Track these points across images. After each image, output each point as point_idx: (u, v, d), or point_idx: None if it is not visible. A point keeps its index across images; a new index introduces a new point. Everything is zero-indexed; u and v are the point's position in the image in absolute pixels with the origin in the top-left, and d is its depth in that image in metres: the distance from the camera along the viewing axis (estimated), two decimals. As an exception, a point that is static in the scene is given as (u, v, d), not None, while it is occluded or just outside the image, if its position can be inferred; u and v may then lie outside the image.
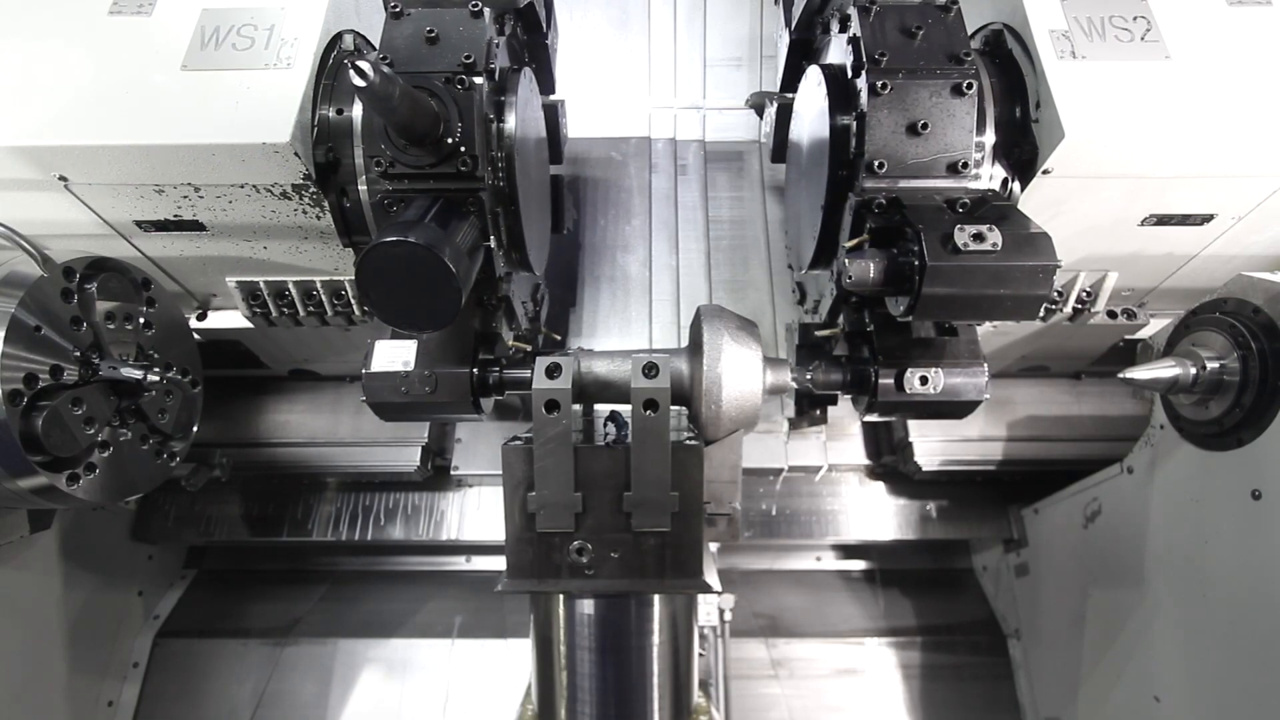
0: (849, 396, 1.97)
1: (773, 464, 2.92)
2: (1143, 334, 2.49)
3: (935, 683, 2.91)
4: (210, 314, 2.41)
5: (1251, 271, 1.73)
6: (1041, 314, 2.31)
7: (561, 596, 1.57)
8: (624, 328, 3.19)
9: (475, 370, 1.83)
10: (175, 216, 1.96)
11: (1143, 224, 2.00)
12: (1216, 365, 1.71)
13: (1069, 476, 2.51)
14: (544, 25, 2.33)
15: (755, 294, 3.26)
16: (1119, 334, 2.47)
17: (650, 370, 1.46)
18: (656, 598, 1.57)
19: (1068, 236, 1.98)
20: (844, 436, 3.00)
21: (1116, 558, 2.21)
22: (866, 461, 3.00)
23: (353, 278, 2.18)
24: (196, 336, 2.36)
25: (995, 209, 1.63)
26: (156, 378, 1.92)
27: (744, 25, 3.70)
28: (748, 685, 2.90)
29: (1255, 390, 1.64)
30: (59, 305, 1.76)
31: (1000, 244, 1.46)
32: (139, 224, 1.99)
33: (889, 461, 2.92)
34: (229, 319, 2.39)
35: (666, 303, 3.24)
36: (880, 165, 1.69)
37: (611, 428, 1.69)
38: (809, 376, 1.86)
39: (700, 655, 2.51)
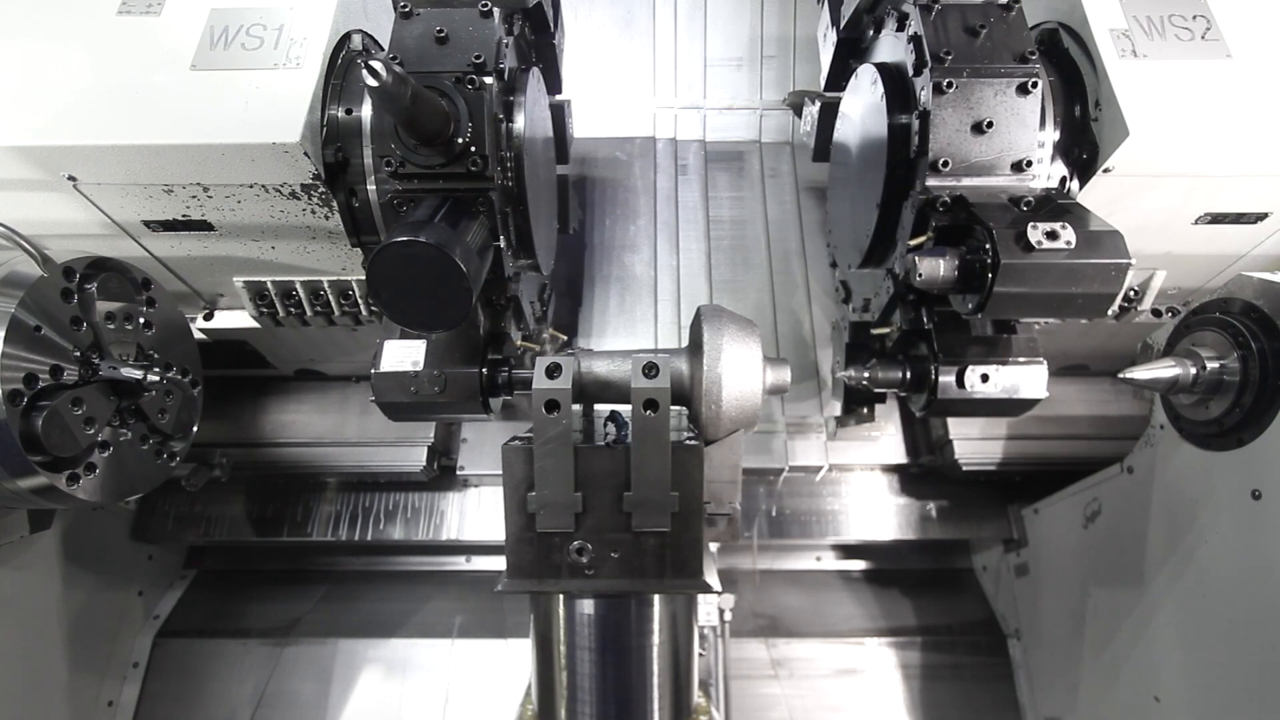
0: (903, 395, 1.99)
1: (773, 464, 2.93)
2: None
3: (935, 683, 2.91)
4: (217, 314, 2.41)
5: (1252, 274, 1.73)
6: None
7: (561, 596, 1.56)
8: (630, 328, 3.19)
9: (484, 370, 1.83)
10: (184, 216, 1.96)
11: (1196, 223, 2.02)
12: (1216, 365, 1.71)
13: (1069, 476, 2.51)
14: (551, 25, 2.33)
15: (755, 294, 3.26)
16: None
17: (650, 370, 1.45)
18: (656, 598, 1.57)
19: (1119, 234, 2.03)
20: (844, 436, 3.00)
21: (1116, 558, 2.21)
22: (866, 462, 3.00)
23: (360, 278, 2.19)
24: (203, 336, 2.37)
25: (1061, 206, 1.65)
26: (156, 378, 1.92)
27: (744, 26, 3.70)
28: (748, 685, 2.90)
29: (1255, 390, 1.63)
30: (59, 305, 1.76)
31: (1074, 242, 1.48)
32: (147, 224, 1.99)
33: (927, 461, 2.92)
34: (235, 319, 2.40)
35: (667, 302, 3.25)
36: (944, 164, 1.71)
37: (611, 428, 1.68)
38: (866, 375, 1.87)
39: (700, 655, 2.52)
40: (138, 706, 2.83)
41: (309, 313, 2.27)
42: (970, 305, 1.61)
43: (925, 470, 3.02)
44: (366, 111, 1.83)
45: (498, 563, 2.91)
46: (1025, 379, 1.79)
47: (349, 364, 2.84)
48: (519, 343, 2.13)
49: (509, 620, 2.99)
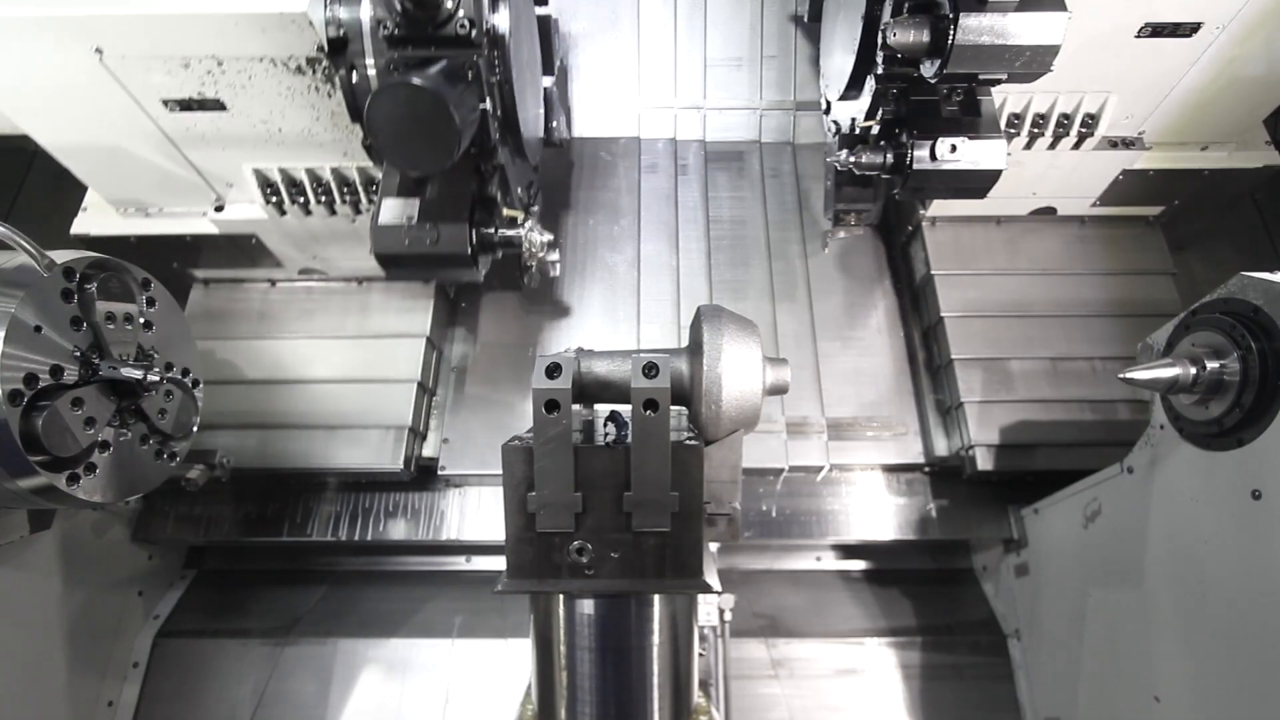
0: (886, 176, 2.26)
1: (773, 464, 2.93)
2: (1140, 165, 2.71)
3: (935, 683, 2.91)
4: (227, 207, 2.62)
5: (1252, 274, 1.73)
6: (1050, 140, 2.65)
7: (561, 596, 1.56)
8: (613, 328, 3.20)
9: (473, 227, 2.06)
10: (199, 94, 2.15)
11: (1138, 35, 2.24)
12: (1216, 365, 1.71)
13: (1069, 476, 2.51)
14: None
15: (755, 294, 3.26)
16: (1119, 165, 2.71)
17: (650, 370, 1.45)
18: (656, 598, 1.57)
19: (1073, 50, 2.25)
20: (845, 437, 3.00)
21: (1116, 558, 2.21)
22: (866, 462, 3.00)
23: (361, 163, 2.40)
24: (215, 230, 2.62)
25: None
26: (156, 378, 1.92)
27: (744, 25, 3.70)
28: (748, 685, 2.90)
29: (1255, 390, 1.63)
30: (59, 305, 1.76)
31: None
32: (165, 103, 2.18)
33: (938, 459, 2.97)
34: (245, 211, 2.61)
35: (666, 303, 3.25)
36: None
37: (611, 428, 1.68)
38: (853, 158, 2.16)
39: (700, 655, 2.52)
40: (138, 706, 2.82)
41: (313, 201, 2.49)
42: (935, 66, 1.85)
43: (925, 470, 3.02)
44: None
45: (498, 563, 2.91)
46: (987, 151, 2.10)
47: (349, 261, 2.96)
48: (505, 211, 2.33)
49: (509, 620, 2.99)
